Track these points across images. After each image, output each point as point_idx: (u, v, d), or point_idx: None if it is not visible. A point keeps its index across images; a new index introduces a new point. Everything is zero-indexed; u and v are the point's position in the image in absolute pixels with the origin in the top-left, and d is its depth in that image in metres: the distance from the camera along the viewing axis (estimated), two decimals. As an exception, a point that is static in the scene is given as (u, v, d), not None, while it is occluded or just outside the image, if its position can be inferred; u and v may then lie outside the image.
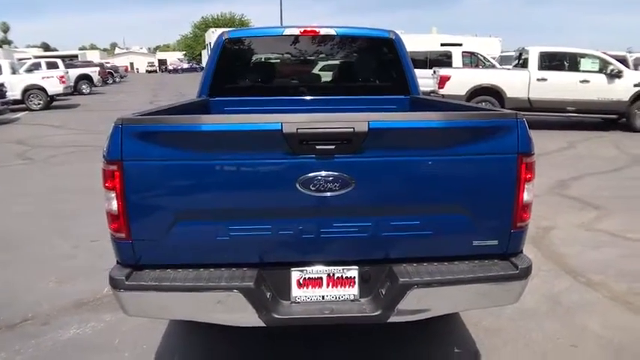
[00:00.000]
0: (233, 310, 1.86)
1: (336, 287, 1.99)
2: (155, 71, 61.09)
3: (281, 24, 44.89)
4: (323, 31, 3.44)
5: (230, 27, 64.60)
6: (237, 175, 1.84)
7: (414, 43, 12.88)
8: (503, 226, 1.99)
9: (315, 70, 4.10)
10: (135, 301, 1.88)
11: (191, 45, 74.03)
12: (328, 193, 1.81)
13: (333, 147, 1.77)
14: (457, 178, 1.92)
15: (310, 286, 1.97)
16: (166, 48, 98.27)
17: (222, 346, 2.64)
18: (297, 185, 1.80)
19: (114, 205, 1.82)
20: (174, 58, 69.72)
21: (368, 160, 1.82)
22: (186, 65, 59.22)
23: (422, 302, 1.94)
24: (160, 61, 71.42)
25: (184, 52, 74.82)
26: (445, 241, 2.00)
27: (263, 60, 3.99)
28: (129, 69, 51.10)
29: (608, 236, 4.34)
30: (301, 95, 3.58)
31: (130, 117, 1.83)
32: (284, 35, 3.48)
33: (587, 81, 10.43)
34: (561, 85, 10.39)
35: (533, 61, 10.78)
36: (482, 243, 2.01)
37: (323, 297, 1.99)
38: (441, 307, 2.04)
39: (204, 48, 69.75)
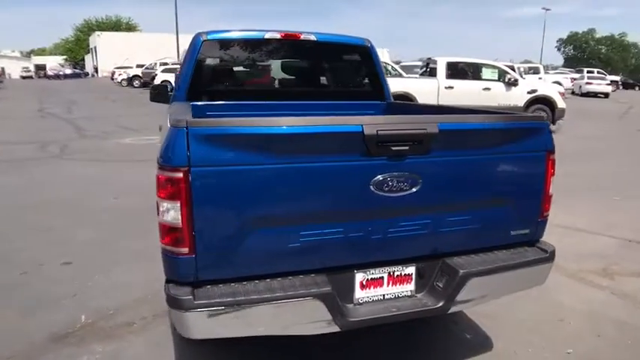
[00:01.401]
0: (311, 317, 1.80)
1: (395, 285, 2.03)
2: (31, 77, 54.62)
3: (176, 29, 43.28)
4: (303, 36, 3.44)
5: (117, 30, 61.36)
6: (312, 179, 1.78)
7: None
8: (533, 216, 2.21)
9: (278, 69, 4.05)
10: (204, 322, 1.70)
11: (72, 49, 67.95)
12: (399, 194, 1.85)
13: (406, 148, 1.82)
14: (502, 174, 2.10)
15: (372, 287, 1.99)
16: (42, 52, 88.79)
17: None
18: (371, 186, 1.81)
19: (176, 216, 1.64)
20: (54, 62, 63.20)
21: (433, 159, 1.90)
22: (69, 71, 53.90)
23: (476, 291, 2.06)
24: (37, 66, 64.21)
25: (65, 57, 68.44)
26: (489, 232, 2.14)
27: (243, 63, 3.85)
28: (1, 74, 45.03)
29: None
30: (282, 100, 3.52)
31: (195, 119, 1.66)
32: (265, 39, 3.40)
33: (488, 89, 11.63)
34: (466, 93, 11.42)
35: (441, 70, 11.73)
36: (518, 232, 2.20)
37: (384, 296, 2.02)
38: (490, 294, 2.17)
39: (88, 52, 64.72)
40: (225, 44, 3.41)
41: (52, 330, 2.72)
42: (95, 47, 56.75)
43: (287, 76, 3.90)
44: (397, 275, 2.02)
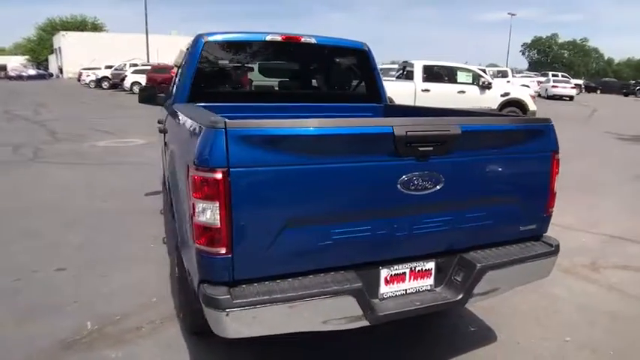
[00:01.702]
0: (344, 313, 1.85)
1: (416, 280, 2.11)
2: (-12, 78, 52.20)
3: (146, 30, 42.41)
4: (304, 39, 3.49)
5: (82, 30, 59.63)
6: (343, 178, 1.83)
7: None
8: (540, 212, 2.33)
9: (279, 71, 4.08)
10: (241, 321, 1.73)
11: (34, 49, 65.56)
12: (423, 192, 1.94)
13: (431, 148, 1.90)
14: (513, 173, 2.21)
15: (395, 282, 2.06)
16: (2, 52, 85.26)
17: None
18: (398, 185, 1.88)
19: (214, 217, 1.66)
20: (15, 63, 60.77)
21: (454, 159, 1.99)
22: (32, 71, 51.89)
23: (491, 284, 2.15)
24: (-5, 66, 61.59)
25: (27, 57, 65.94)
26: (501, 228, 2.25)
27: (243, 65, 3.85)
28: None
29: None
30: (283, 102, 3.55)
31: (233, 120, 1.68)
32: (266, 41, 3.43)
33: (463, 92, 11.94)
34: (442, 95, 11.69)
35: (418, 73, 11.98)
36: (526, 227, 2.32)
37: (406, 291, 2.09)
38: (502, 287, 2.27)
39: (52, 53, 62.60)
40: (226, 46, 3.42)
41: (58, 337, 2.66)
42: (60, 47, 54.94)
43: (288, 79, 3.93)
44: (418, 270, 2.10)
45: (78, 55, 47.10)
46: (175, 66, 3.80)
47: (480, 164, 2.09)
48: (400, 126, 1.84)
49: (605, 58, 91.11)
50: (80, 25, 62.89)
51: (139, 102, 5.69)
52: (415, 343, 2.74)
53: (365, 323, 1.90)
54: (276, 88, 3.79)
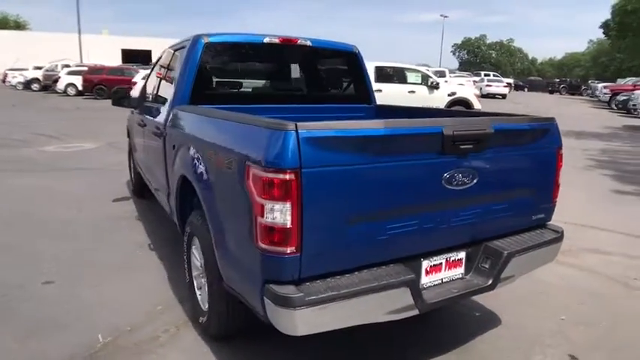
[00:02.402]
0: (400, 304, 1.93)
1: (450, 269, 2.23)
2: None
3: (79, 29, 40.01)
4: (300, 42, 3.52)
5: (3, 29, 54.97)
6: (399, 176, 1.92)
7: None
8: (548, 202, 2.55)
9: (276, 73, 4.07)
10: (311, 317, 1.75)
11: (-54, 48, 59.79)
12: (461, 187, 2.07)
13: (471, 146, 2.04)
14: (529, 167, 2.41)
15: (434, 272, 2.17)
16: None
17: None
18: (442, 181, 2.00)
19: (285, 217, 1.68)
20: None
21: (486, 156, 2.14)
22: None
23: (514, 269, 2.32)
24: None
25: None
26: (518, 218, 2.43)
27: (242, 67, 3.79)
28: None
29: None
30: (281, 103, 3.56)
31: (303, 123, 1.71)
32: (264, 43, 3.42)
33: (413, 92, 12.41)
34: (394, 95, 12.04)
35: (370, 74, 12.27)
36: (536, 217, 2.52)
37: (442, 280, 2.20)
38: (522, 271, 2.45)
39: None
40: (225, 47, 3.36)
41: (70, 352, 2.52)
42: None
43: (284, 80, 3.93)
44: (452, 260, 2.22)
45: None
46: (162, 67, 3.67)
47: (504, 160, 2.27)
48: (448, 126, 1.98)
49: (529, 57, 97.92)
50: (1, 22, 58.24)
51: (112, 104, 5.45)
52: (421, 328, 2.85)
53: (415, 312, 2.00)
54: (275, 90, 3.78)
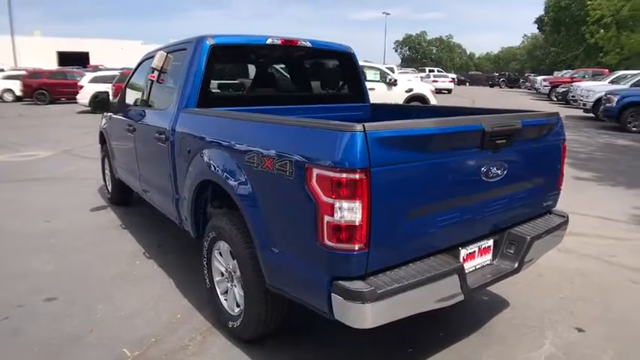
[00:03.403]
0: (450, 291, 2.04)
1: (481, 256, 2.38)
2: None
3: (11, 30, 37.33)
4: (300, 43, 3.55)
5: None
6: (448, 171, 2.04)
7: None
8: (555, 190, 2.76)
9: (279, 74, 4.05)
10: (380, 310, 1.82)
11: None
12: (494, 179, 2.22)
13: (504, 141, 2.19)
14: (542, 158, 2.61)
15: (469, 260, 2.29)
16: None
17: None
18: (481, 174, 2.14)
19: (354, 215, 1.74)
20: None
21: (513, 150, 2.31)
22: None
23: (534, 252, 2.51)
24: None
25: None
26: (533, 205, 2.63)
27: (246, 69, 3.74)
28: None
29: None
30: (284, 104, 3.56)
31: (371, 123, 1.77)
32: (267, 44, 3.42)
33: (373, 89, 12.63)
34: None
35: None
36: (546, 203, 2.73)
37: (475, 267, 2.34)
38: (539, 254, 2.63)
39: None
40: (230, 49, 3.32)
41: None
42: None
43: (286, 82, 3.93)
44: (483, 248, 2.37)
45: None
46: (157, 70, 3.57)
47: (525, 152, 2.44)
48: (488, 123, 2.12)
49: (468, 52, 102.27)
50: None
51: (92, 110, 5.22)
52: (442, 315, 2.97)
53: (461, 298, 2.12)
54: (279, 92, 3.78)
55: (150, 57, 4.23)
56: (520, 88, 43.47)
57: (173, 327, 2.84)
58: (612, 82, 17.01)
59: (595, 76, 22.87)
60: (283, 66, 3.89)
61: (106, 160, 5.50)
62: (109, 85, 15.45)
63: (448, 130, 2.03)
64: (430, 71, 40.11)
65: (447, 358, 2.57)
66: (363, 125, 1.74)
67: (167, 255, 3.99)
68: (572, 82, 21.63)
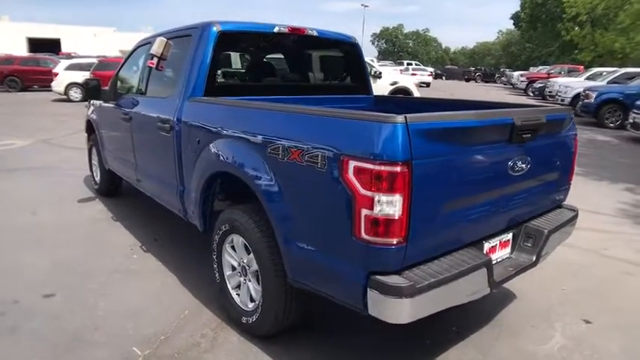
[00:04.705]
0: (479, 284, 2.03)
1: (502, 250, 2.38)
2: None
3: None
4: (307, 32, 3.47)
5: None
6: (480, 164, 2.02)
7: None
8: (566, 184, 2.79)
9: (286, 64, 3.96)
10: (417, 304, 1.79)
11: None
12: (519, 173, 2.21)
13: (529, 135, 2.18)
14: (558, 153, 2.62)
15: (491, 253, 2.29)
16: None
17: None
18: (508, 168, 2.13)
19: (395, 209, 1.70)
20: None
21: (536, 144, 2.30)
22: None
23: (551, 246, 2.53)
24: None
25: None
26: (547, 199, 2.65)
27: (253, 57, 3.62)
28: None
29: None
30: (290, 94, 3.47)
31: (412, 115, 1.71)
32: (274, 32, 3.32)
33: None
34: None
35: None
36: (558, 197, 2.76)
37: (496, 260, 2.33)
38: (553, 248, 2.65)
39: None
40: (238, 37, 3.20)
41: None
42: None
43: (293, 71, 3.83)
44: (504, 241, 2.37)
45: None
46: (156, 57, 3.43)
47: (546, 147, 2.45)
48: (518, 117, 2.11)
49: (443, 47, 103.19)
50: None
51: (86, 97, 5.02)
52: (454, 309, 3.00)
53: (487, 292, 2.11)
54: (285, 81, 3.67)
55: (145, 43, 4.07)
56: (495, 82, 44.20)
57: (181, 323, 2.75)
58: (588, 78, 17.45)
59: (570, 73, 23.44)
60: (289, 55, 3.79)
61: (94, 150, 5.29)
62: (86, 73, 14.93)
63: (485, 123, 2.01)
64: (408, 64, 40.36)
65: (463, 351, 2.57)
66: (405, 116, 1.68)
67: (165, 248, 3.88)
68: (548, 78, 22.08)
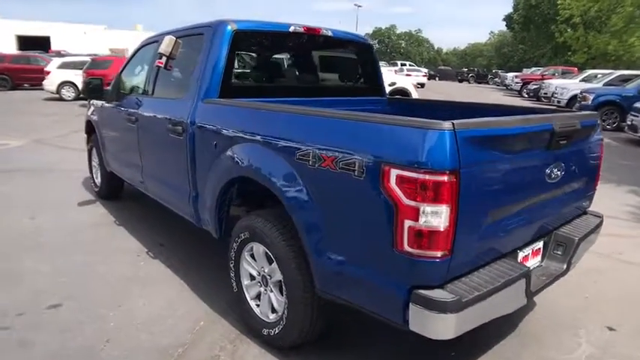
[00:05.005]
0: (518, 295, 1.96)
1: (534, 258, 2.30)
2: None
3: None
4: (322, 32, 3.37)
5: None
6: (522, 171, 1.94)
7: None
8: (592, 190, 2.72)
9: (300, 64, 3.86)
10: (463, 319, 1.70)
11: None
12: (554, 180, 2.14)
13: (565, 141, 2.10)
14: (589, 159, 2.54)
15: (524, 262, 2.21)
16: None
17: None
18: (545, 175, 2.07)
19: (440, 220, 1.60)
20: None
21: (570, 150, 2.24)
22: None
23: (580, 253, 2.45)
24: None
25: None
26: (576, 205, 2.58)
27: (269, 57, 3.50)
28: None
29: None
30: (305, 96, 3.36)
31: (460, 121, 1.62)
32: (289, 32, 3.21)
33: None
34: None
35: (315, 63, 12.25)
36: (584, 203, 2.69)
37: (529, 269, 2.25)
38: (581, 256, 2.57)
39: None
40: (253, 36, 3.08)
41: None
42: None
43: (308, 72, 3.71)
44: (535, 250, 2.29)
45: None
46: (165, 56, 3.31)
47: (578, 153, 2.39)
48: (556, 123, 2.04)
49: (435, 47, 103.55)
50: None
51: (87, 97, 4.88)
52: None
53: (524, 303, 2.04)
54: (300, 83, 3.56)
55: (151, 42, 3.95)
56: (488, 84, 44.39)
57: (198, 335, 2.63)
58: (583, 80, 17.55)
59: (565, 74, 23.57)
60: (304, 55, 3.68)
61: (94, 152, 5.14)
62: (79, 72, 14.70)
63: (529, 130, 1.94)
64: (402, 65, 40.38)
65: (491, 362, 2.49)
66: (453, 123, 1.59)
67: (173, 254, 3.75)
68: (543, 80, 22.18)
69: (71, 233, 4.12)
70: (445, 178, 1.58)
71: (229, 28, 2.89)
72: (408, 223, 1.62)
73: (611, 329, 2.86)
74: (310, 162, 1.97)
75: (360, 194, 1.78)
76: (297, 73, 3.51)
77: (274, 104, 2.52)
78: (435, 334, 1.71)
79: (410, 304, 1.68)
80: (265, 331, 2.45)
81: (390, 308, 1.77)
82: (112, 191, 5.03)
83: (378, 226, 1.72)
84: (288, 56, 3.59)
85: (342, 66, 3.90)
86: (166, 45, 3.30)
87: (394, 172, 1.64)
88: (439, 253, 1.65)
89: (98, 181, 5.16)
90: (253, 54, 3.42)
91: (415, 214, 1.61)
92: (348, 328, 2.70)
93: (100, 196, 5.16)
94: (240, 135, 2.44)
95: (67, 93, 15.76)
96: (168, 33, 3.53)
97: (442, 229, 1.62)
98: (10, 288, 3.12)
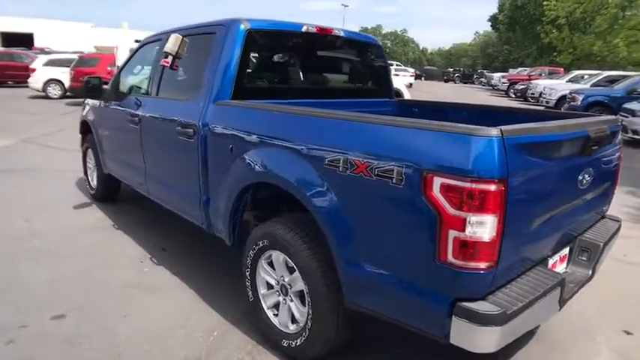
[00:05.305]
0: (552, 303, 1.91)
1: (560, 265, 2.27)
2: None
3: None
4: (335, 32, 3.29)
5: None
6: (559, 178, 1.90)
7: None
8: (610, 195, 2.70)
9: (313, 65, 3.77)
10: (507, 331, 1.65)
11: None
12: (584, 186, 2.11)
13: (596, 147, 2.08)
14: (611, 163, 2.52)
15: (552, 268, 2.16)
16: None
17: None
18: (578, 181, 2.04)
19: (487, 231, 1.54)
20: None
21: (597, 156, 2.21)
22: None
23: (603, 259, 2.42)
24: None
25: None
26: (598, 210, 2.55)
27: (282, 58, 3.40)
28: None
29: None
30: (318, 97, 3.27)
31: (507, 127, 1.56)
32: (302, 32, 3.12)
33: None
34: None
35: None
36: (604, 208, 2.67)
37: (564, 277, 2.21)
38: (605, 259, 2.55)
39: None
40: (266, 35, 2.98)
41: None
42: None
43: (319, 72, 3.61)
44: (562, 256, 2.26)
45: None
46: (171, 55, 3.19)
47: (603, 158, 2.36)
48: (591, 129, 2.01)
49: (420, 47, 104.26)
50: None
51: (86, 96, 4.72)
52: None
53: (557, 312, 2.00)
54: (312, 84, 3.47)
55: (154, 40, 3.83)
56: (474, 84, 44.77)
57: (213, 347, 2.54)
58: (570, 81, 17.78)
59: (551, 75, 23.87)
60: (316, 56, 3.60)
61: (89, 153, 4.98)
62: (66, 70, 14.36)
63: (569, 136, 1.92)
64: (390, 65, 40.48)
65: (516, 371, 2.45)
66: (500, 129, 1.53)
67: (176, 259, 3.64)
68: (530, 80, 22.43)
69: (67, 237, 3.98)
70: (493, 187, 1.52)
71: (242, 27, 2.79)
72: (453, 233, 1.56)
73: (628, 333, 2.85)
74: (341, 168, 1.89)
75: (398, 203, 1.71)
76: (308, 74, 3.43)
77: (295, 107, 2.43)
78: (477, 348, 1.65)
79: (453, 316, 1.62)
80: (285, 342, 2.37)
81: (429, 321, 1.71)
82: (109, 194, 4.88)
83: (418, 236, 1.65)
84: (300, 56, 3.50)
85: (354, 67, 3.83)
86: (173, 43, 3.19)
87: (438, 181, 1.58)
88: (484, 265, 1.59)
89: (94, 183, 5.00)
90: (265, 54, 3.32)
91: (461, 225, 1.54)
92: (373, 332, 2.63)
93: (96, 198, 5.01)
94: (259, 139, 2.35)
95: (53, 91, 15.39)
96: (174, 31, 3.41)
97: (488, 240, 1.56)
98: (9, 297, 2.98)
